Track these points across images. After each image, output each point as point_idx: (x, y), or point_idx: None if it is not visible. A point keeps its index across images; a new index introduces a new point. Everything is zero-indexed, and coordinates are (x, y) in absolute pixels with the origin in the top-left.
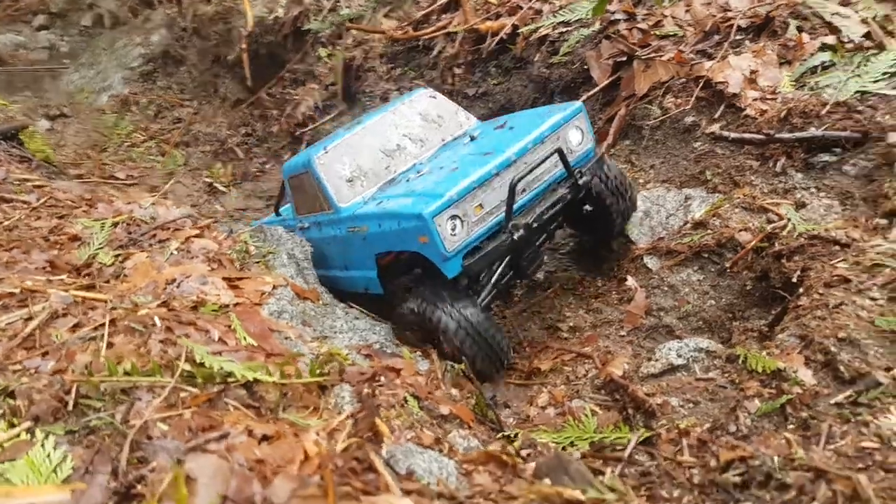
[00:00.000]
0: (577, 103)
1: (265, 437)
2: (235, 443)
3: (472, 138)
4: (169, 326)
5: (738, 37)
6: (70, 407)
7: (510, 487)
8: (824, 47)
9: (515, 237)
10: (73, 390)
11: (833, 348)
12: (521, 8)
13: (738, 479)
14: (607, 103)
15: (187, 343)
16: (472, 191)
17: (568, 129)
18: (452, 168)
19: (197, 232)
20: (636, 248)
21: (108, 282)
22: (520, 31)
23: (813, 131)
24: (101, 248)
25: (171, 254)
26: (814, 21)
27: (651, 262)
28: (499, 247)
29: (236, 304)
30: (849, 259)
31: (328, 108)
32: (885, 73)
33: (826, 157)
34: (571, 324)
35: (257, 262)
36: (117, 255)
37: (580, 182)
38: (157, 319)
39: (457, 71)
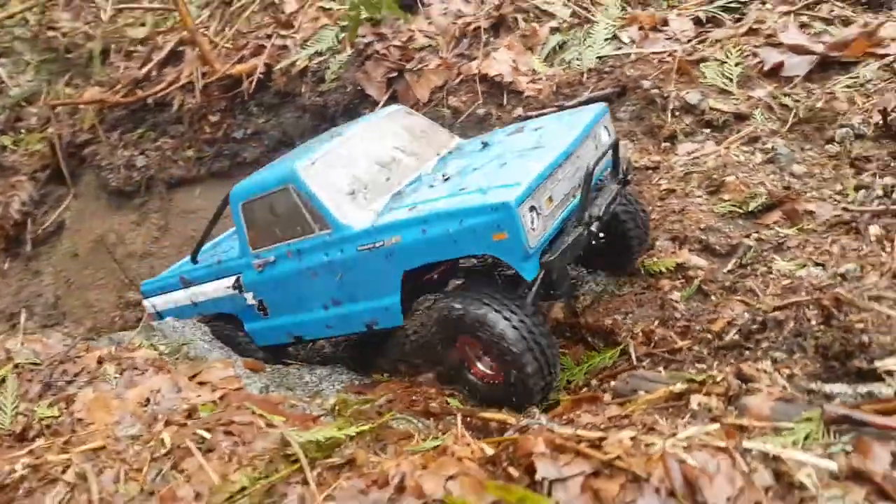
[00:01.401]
0: (603, 104)
1: None
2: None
3: (485, 144)
4: (207, 438)
5: (485, 36)
6: None
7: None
8: (552, 31)
9: (594, 229)
10: None
11: (703, 236)
12: (265, 47)
13: (736, 336)
14: None
15: (279, 432)
16: (546, 178)
17: (599, 127)
18: (501, 163)
19: (100, 353)
20: None
21: (74, 432)
22: (274, 68)
23: (587, 94)
24: (16, 407)
25: (115, 378)
26: (534, 11)
27: None
28: (578, 241)
29: (222, 397)
30: (664, 176)
31: (46, 196)
32: (605, 39)
33: None
34: None
35: (178, 358)
36: (56, 404)
37: (628, 179)
38: (203, 433)
39: (212, 119)
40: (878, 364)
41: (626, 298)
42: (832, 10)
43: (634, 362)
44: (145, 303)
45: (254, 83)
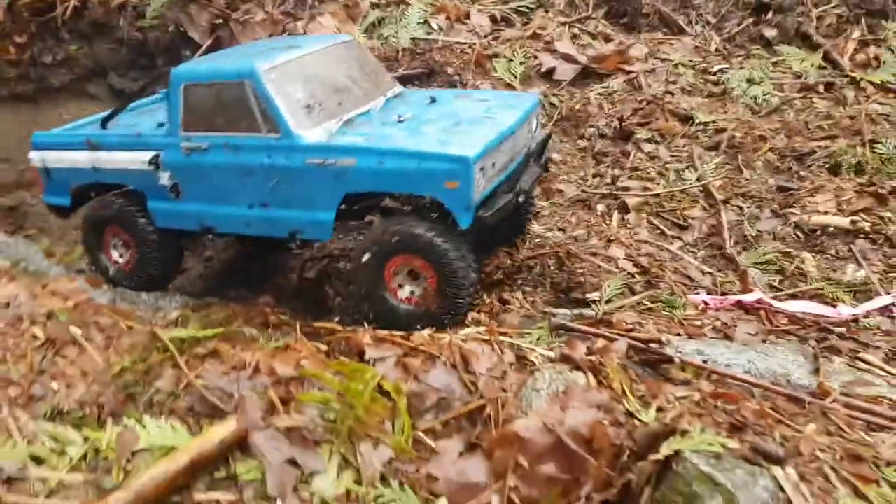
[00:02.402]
0: (535, 96)
1: None
2: None
3: (433, 99)
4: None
5: (310, 0)
6: None
7: None
8: (373, 6)
9: (521, 199)
10: None
11: None
12: None
13: (501, 276)
14: None
15: (146, 329)
16: (496, 146)
17: (534, 115)
18: (455, 122)
19: None
20: None
21: None
22: None
23: (401, 71)
24: None
25: None
26: None
27: None
28: (507, 205)
29: (75, 305)
30: None
31: None
32: (418, 23)
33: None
34: None
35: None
36: None
37: (548, 166)
38: (74, 329)
39: (18, 39)
40: (588, 296)
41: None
42: (597, 27)
43: None
44: (33, 155)
45: (68, 10)
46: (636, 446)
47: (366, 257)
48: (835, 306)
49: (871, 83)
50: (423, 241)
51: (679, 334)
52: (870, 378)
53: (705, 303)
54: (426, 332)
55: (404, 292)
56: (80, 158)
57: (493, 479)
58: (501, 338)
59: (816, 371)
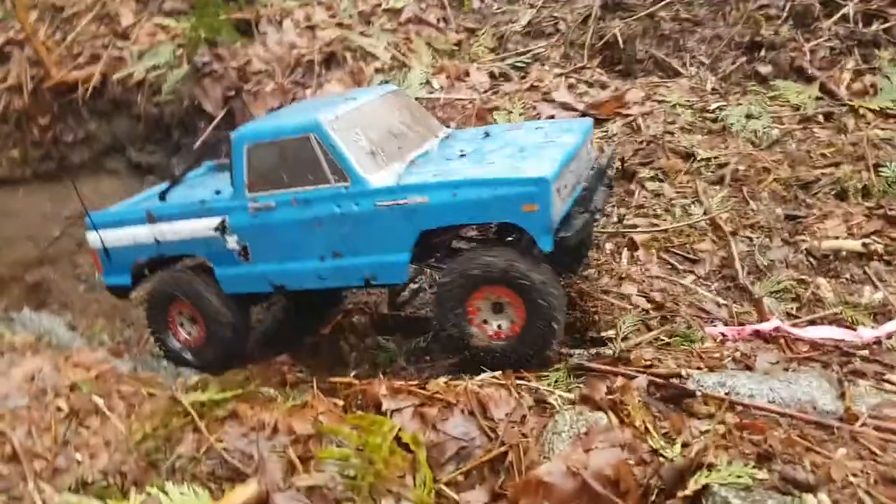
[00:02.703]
0: (589, 120)
1: None
2: None
3: (487, 134)
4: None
5: (318, 69)
6: None
7: None
8: (377, 70)
9: (597, 218)
10: None
11: None
12: (101, 56)
13: None
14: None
15: (166, 394)
16: (565, 167)
17: (589, 137)
18: (519, 149)
19: None
20: None
21: None
22: (111, 77)
23: None
24: None
25: None
26: (360, 51)
27: None
28: (585, 225)
29: (97, 375)
30: None
31: None
32: (420, 83)
33: None
34: None
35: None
36: None
37: (613, 186)
38: (97, 399)
39: (41, 121)
40: (603, 334)
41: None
42: (593, 76)
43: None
44: (90, 236)
45: (89, 90)
46: (663, 484)
47: (445, 294)
48: (855, 329)
49: (870, 110)
50: (509, 269)
51: (699, 367)
52: None
53: (723, 334)
54: (441, 379)
55: (491, 327)
56: (141, 233)
57: None
58: (519, 381)
59: (842, 396)
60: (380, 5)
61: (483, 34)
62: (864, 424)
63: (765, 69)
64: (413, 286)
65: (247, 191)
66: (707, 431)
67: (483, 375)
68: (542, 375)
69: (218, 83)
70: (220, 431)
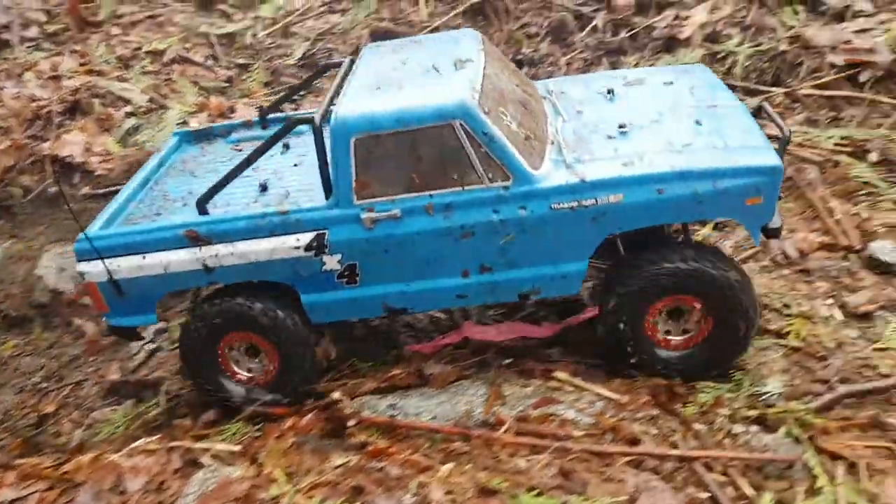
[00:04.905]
0: (700, 65)
1: None
2: None
3: (611, 93)
4: None
5: (58, 119)
6: None
7: None
8: (128, 115)
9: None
10: None
11: None
12: None
13: None
14: None
15: None
16: None
17: None
18: (694, 120)
19: None
20: None
21: None
22: None
23: None
24: None
25: None
26: (110, 97)
27: None
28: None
29: None
30: None
31: None
32: (176, 123)
33: None
34: None
35: None
36: None
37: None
38: None
39: None
40: None
41: None
42: None
43: None
44: (85, 267)
45: None
46: None
47: (621, 303)
48: (539, 325)
49: None
50: (709, 276)
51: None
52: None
53: (420, 349)
54: (88, 455)
55: (673, 337)
56: (181, 259)
57: None
58: (179, 443)
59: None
60: (140, 48)
61: (256, 69)
62: (507, 430)
63: None
64: (150, 346)
65: (355, 197)
66: (340, 466)
67: (134, 444)
68: (224, 429)
69: None
70: None
